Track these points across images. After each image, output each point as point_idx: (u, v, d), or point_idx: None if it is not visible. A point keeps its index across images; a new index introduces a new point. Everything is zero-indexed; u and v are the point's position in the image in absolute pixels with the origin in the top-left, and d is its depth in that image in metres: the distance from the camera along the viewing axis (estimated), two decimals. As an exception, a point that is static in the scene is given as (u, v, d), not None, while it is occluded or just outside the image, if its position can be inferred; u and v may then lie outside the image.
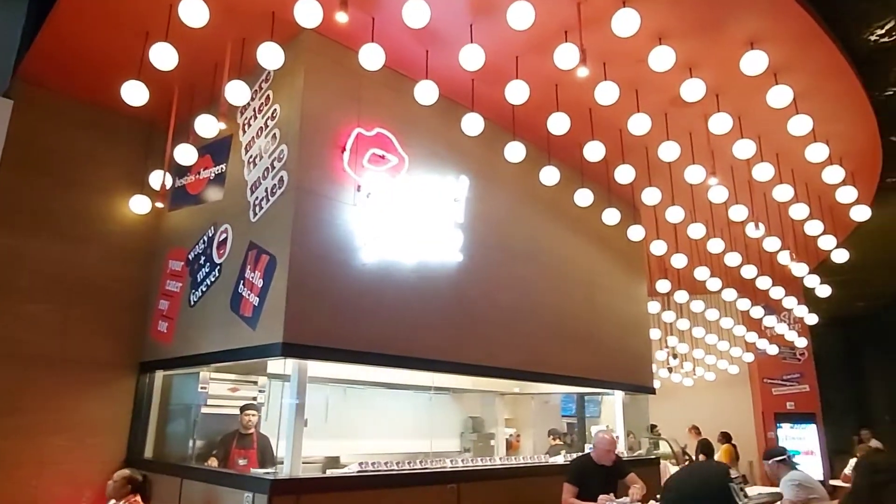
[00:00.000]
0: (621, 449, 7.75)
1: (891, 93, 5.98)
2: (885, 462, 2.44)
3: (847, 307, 17.56)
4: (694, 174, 5.89)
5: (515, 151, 5.27)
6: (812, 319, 10.39)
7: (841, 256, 7.85)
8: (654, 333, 10.78)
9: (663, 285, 8.35)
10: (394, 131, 5.03)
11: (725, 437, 10.06)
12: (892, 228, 10.24)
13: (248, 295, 4.58)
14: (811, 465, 11.57)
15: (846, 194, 6.55)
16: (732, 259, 7.77)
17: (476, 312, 5.43)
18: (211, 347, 5.02)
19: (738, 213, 6.63)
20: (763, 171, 5.97)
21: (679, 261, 7.57)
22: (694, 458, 8.82)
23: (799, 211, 6.75)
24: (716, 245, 7.37)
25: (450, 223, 5.35)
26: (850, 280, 13.79)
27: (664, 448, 10.57)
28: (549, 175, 5.60)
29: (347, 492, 4.09)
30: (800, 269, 8.32)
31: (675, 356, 11.31)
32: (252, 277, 4.59)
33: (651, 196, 6.22)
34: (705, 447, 8.64)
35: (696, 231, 7.07)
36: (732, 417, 12.60)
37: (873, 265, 12.62)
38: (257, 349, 4.31)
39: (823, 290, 9.11)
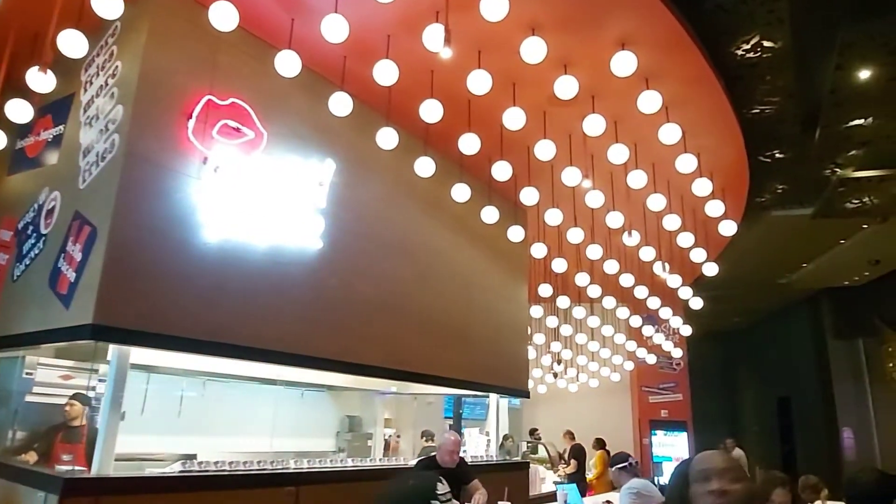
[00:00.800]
0: (493, 453, 7.67)
1: (757, 111, 6.19)
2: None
3: (723, 321, 18.54)
4: (570, 176, 5.87)
5: (388, 138, 5.03)
6: (687, 331, 10.80)
7: (711, 270, 8.14)
8: (539, 338, 10.89)
9: (545, 289, 8.35)
10: (252, 103, 4.65)
11: (599, 444, 10.25)
12: (763, 247, 10.79)
13: (67, 270, 4.07)
14: (681, 470, 12.03)
15: (714, 208, 6.75)
16: (611, 267, 7.88)
17: (334, 304, 5.12)
18: (28, 327, 4.45)
19: (614, 219, 6.67)
20: (637, 179, 6.03)
21: (559, 265, 7.58)
22: (567, 462, 8.89)
23: (672, 222, 6.88)
24: (594, 251, 7.45)
25: (310, 208, 5.02)
26: (725, 295, 14.52)
27: (542, 452, 10.67)
28: (424, 166, 5.40)
29: (160, 494, 3.66)
30: (674, 281, 8.57)
31: (559, 362, 11.45)
32: (73, 251, 4.08)
33: (529, 196, 6.16)
34: (577, 452, 8.73)
35: (576, 236, 7.10)
36: (613, 423, 12.97)
37: (748, 282, 13.32)
38: (68, 331, 3.81)
39: (696, 303, 9.47)
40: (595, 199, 6.26)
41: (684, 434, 12.35)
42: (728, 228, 7.08)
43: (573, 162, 5.85)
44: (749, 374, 20.67)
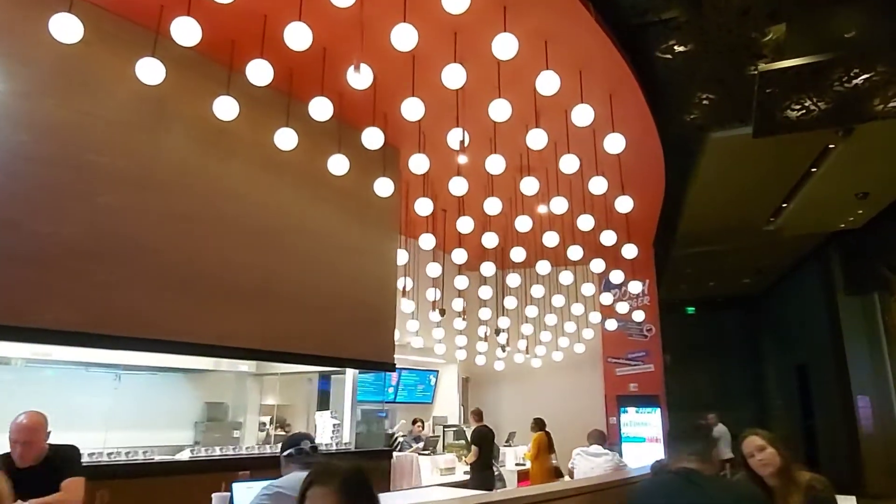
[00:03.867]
0: (347, 439, 6.41)
1: None
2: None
3: (731, 284, 16.66)
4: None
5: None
6: (636, 287, 9.19)
7: (625, 205, 6.71)
8: (484, 313, 9.53)
9: (460, 255, 7.16)
10: None
11: (538, 425, 8.83)
12: (726, 183, 9.14)
13: None
14: (656, 454, 10.48)
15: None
16: (523, 224, 6.71)
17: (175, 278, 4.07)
18: None
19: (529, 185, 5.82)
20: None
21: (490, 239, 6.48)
22: (469, 449, 7.53)
23: (569, 164, 5.68)
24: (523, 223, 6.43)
25: None
26: (717, 252, 12.76)
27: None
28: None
29: None
30: (608, 238, 7.23)
31: (497, 332, 10.04)
32: None
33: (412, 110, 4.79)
34: (479, 437, 7.36)
35: (493, 206, 5.98)
36: (584, 401, 11.47)
37: (732, 232, 11.57)
38: None
39: (629, 251, 7.93)
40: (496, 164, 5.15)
41: (657, 411, 10.72)
42: (615, 144, 5.54)
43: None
44: (770, 342, 18.60)
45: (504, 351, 10.77)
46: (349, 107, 5.33)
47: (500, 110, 4.81)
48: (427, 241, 7.13)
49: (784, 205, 9.75)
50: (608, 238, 7.33)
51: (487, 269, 8.01)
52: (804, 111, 6.42)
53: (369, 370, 6.59)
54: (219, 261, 5.06)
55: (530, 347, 10.68)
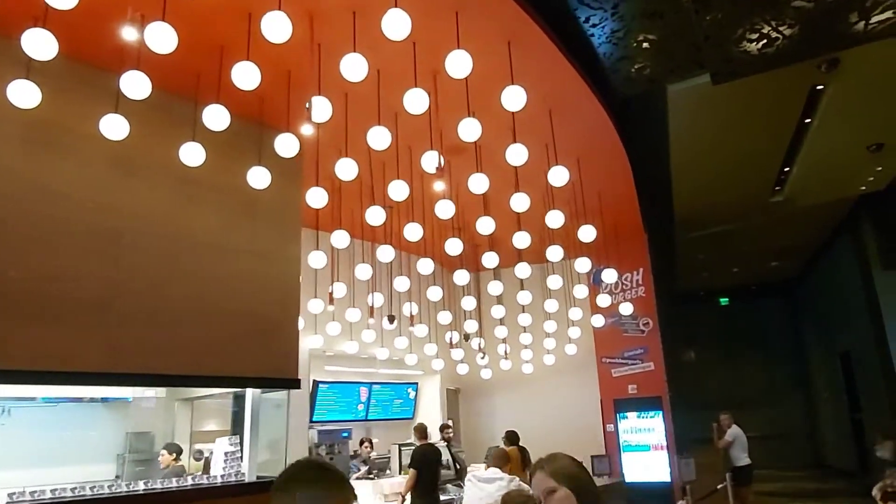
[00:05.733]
0: (245, 469, 5.49)
1: None
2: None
3: (757, 269, 15.10)
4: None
5: None
6: (610, 276, 8.00)
7: (560, 177, 5.62)
8: (445, 317, 8.52)
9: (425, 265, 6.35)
10: None
11: (510, 439, 7.73)
12: (709, 147, 7.89)
13: None
14: (662, 463, 9.20)
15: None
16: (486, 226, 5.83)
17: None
18: None
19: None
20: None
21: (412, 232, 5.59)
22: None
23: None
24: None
25: None
26: (732, 231, 11.38)
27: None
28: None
29: None
30: (554, 219, 6.16)
31: (467, 338, 8.99)
32: None
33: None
34: (418, 457, 6.30)
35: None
36: (580, 408, 10.30)
37: (739, 207, 10.22)
38: None
39: (587, 233, 6.80)
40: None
41: (659, 415, 9.42)
42: (514, 100, 4.52)
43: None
44: (812, 329, 16.83)
45: (484, 357, 9.71)
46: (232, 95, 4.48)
47: (417, 100, 4.34)
48: (385, 253, 6.30)
49: (786, 169, 8.38)
50: (554, 220, 6.25)
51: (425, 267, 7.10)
52: (765, 41, 5.22)
53: (268, 388, 5.67)
54: (45, 272, 4.29)
55: (513, 352, 9.57)
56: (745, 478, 8.84)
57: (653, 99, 6.80)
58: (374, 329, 8.22)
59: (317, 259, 6.58)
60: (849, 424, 13.72)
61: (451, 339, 8.76)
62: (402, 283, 7.35)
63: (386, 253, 6.48)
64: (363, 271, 6.90)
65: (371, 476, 6.98)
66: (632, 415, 9.69)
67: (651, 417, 9.56)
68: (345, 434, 8.78)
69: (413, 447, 6.66)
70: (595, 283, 9.53)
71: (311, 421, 8.79)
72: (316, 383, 8.95)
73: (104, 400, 6.73)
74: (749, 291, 17.78)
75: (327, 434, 8.67)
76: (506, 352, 9.40)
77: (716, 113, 6.86)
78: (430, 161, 5.16)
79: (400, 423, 10.40)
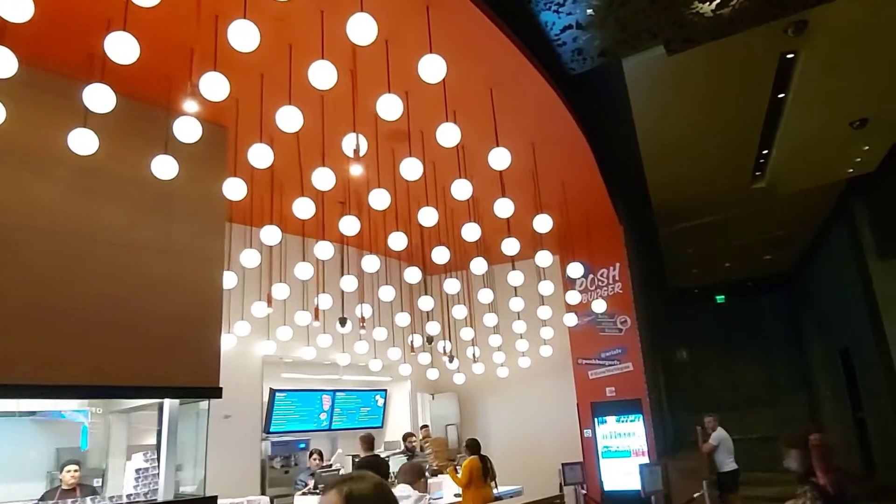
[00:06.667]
0: (161, 488, 4.97)
1: None
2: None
3: (751, 263, 14.50)
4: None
5: None
6: (575, 271, 7.45)
7: (501, 160, 5.09)
8: (403, 319, 8.00)
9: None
10: None
11: (471, 448, 7.19)
12: (677, 129, 7.36)
13: None
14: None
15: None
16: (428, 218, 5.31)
17: None
18: None
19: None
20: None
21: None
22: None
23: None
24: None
25: None
26: (715, 224, 10.81)
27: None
28: None
29: None
30: (504, 208, 5.63)
31: (430, 340, 8.45)
32: None
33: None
34: (367, 467, 5.77)
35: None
36: (558, 413, 9.75)
37: (718, 197, 9.66)
38: None
39: (543, 224, 6.28)
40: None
41: (639, 419, 8.84)
42: (432, 70, 4.02)
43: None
44: (812, 325, 16.18)
45: (452, 361, 9.17)
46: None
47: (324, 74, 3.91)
48: (323, 250, 5.83)
49: (764, 152, 7.82)
50: (503, 209, 5.72)
51: (412, 275, 6.63)
52: (719, 0, 4.69)
53: (186, 398, 5.17)
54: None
55: (484, 355, 9.03)
56: (730, 484, 8.26)
57: (610, 77, 6.27)
58: (330, 333, 7.72)
59: (249, 258, 6.08)
60: (851, 424, 13.06)
61: (412, 342, 8.23)
62: (349, 283, 6.84)
63: (324, 250, 6.00)
64: (303, 270, 6.39)
65: (317, 491, 6.45)
66: (611, 419, 9.12)
67: (631, 421, 8.98)
68: (301, 445, 8.27)
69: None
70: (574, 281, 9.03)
71: (268, 431, 8.29)
72: (273, 392, 8.45)
73: (32, 414, 6.29)
74: (745, 288, 17.15)
75: (283, 445, 8.17)
76: (474, 355, 8.86)
77: (679, 90, 6.32)
78: (349, 143, 4.67)
79: (368, 432, 9.86)
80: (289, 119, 4.26)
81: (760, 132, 7.26)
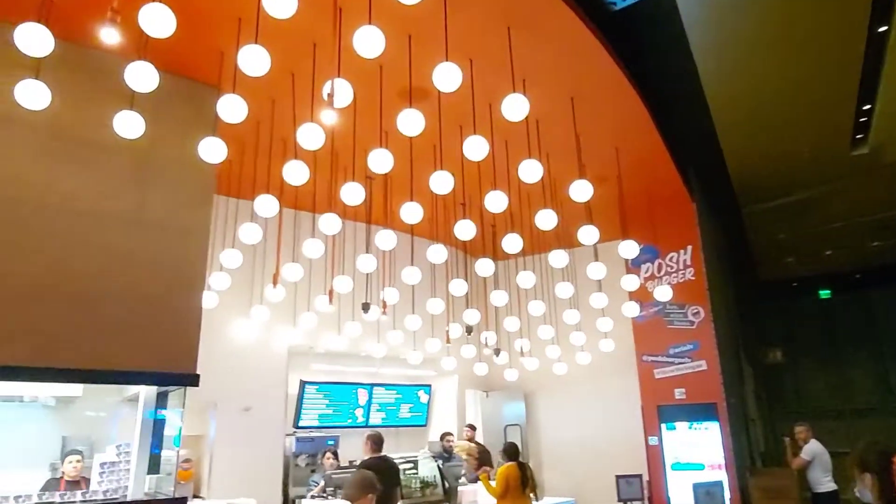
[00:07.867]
0: (129, 487, 4.46)
1: None
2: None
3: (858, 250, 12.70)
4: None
5: None
6: (629, 251, 6.39)
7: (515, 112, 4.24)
8: (435, 305, 7.25)
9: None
10: None
11: (509, 454, 6.29)
12: (749, 88, 6.20)
13: None
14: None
15: None
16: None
17: None
18: None
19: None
20: None
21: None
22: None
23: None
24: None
25: None
26: (809, 200, 9.36)
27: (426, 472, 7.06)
28: None
29: None
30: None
31: (469, 331, 7.63)
32: None
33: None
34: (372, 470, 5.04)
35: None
36: (621, 416, 8.68)
37: (812, 173, 8.28)
38: None
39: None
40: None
41: (715, 425, 7.62)
42: None
43: None
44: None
45: (497, 355, 8.32)
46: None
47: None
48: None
49: (865, 108, 6.46)
50: (530, 172, 4.85)
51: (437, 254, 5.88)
52: None
53: (160, 385, 4.65)
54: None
55: (537, 348, 8.10)
56: (828, 509, 6.92)
57: (662, 16, 5.24)
58: (358, 321, 7.09)
59: (249, 232, 5.50)
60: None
61: (447, 332, 7.44)
62: (367, 264, 6.16)
63: (330, 223, 5.31)
64: (313, 247, 5.76)
65: (325, 495, 5.81)
66: (681, 425, 7.95)
67: (705, 429, 7.79)
68: (330, 442, 7.68)
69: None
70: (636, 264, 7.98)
71: (297, 427, 7.78)
72: (303, 383, 7.93)
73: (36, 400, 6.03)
74: (853, 281, 15.15)
75: (309, 442, 7.62)
76: (521, 349, 7.96)
77: (750, 28, 5.19)
78: (325, 88, 3.97)
79: (412, 432, 9.18)
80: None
81: (858, 82, 5.95)
